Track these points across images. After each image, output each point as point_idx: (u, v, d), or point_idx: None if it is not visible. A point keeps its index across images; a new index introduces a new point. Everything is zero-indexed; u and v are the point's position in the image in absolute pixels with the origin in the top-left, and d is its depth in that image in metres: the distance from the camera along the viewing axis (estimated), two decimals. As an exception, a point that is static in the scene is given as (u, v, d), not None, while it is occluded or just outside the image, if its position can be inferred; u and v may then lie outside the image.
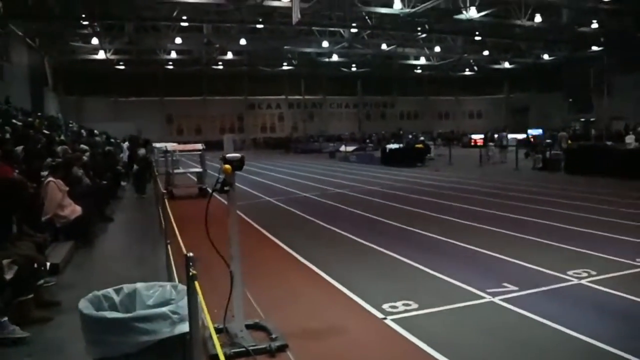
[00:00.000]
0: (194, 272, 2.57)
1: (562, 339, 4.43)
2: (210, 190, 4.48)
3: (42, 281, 5.32)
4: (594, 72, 44.93)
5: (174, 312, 2.87)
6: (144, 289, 3.34)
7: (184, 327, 2.80)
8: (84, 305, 2.99)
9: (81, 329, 2.97)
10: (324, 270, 6.68)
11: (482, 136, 36.42)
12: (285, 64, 50.64)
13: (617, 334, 4.48)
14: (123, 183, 16.65)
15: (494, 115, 58.24)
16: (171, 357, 2.89)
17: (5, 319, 4.33)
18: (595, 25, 33.71)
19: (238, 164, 4.22)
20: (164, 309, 2.89)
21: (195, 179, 15.70)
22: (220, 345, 4.24)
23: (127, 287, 3.32)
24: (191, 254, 2.70)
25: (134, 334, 2.78)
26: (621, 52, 38.95)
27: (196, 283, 2.50)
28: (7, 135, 12.09)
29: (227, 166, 4.14)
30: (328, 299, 5.70)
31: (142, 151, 17.27)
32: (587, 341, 4.32)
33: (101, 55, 40.80)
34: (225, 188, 4.19)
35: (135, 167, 16.07)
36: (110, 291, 3.27)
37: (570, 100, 48.65)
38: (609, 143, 21.79)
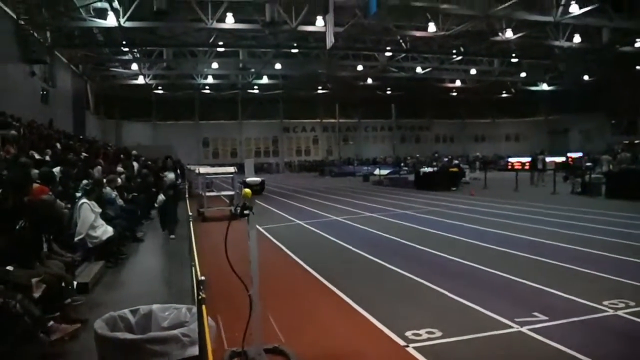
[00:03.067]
0: (204, 295, 2.57)
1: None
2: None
3: (69, 300, 5.42)
4: (637, 92, 43.61)
5: (185, 335, 2.87)
6: (159, 310, 3.35)
7: (195, 350, 2.79)
8: (99, 326, 3.02)
9: (96, 348, 2.99)
10: (347, 294, 6.61)
11: (527, 159, 35.44)
12: (319, 87, 51.05)
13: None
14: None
15: (533, 137, 57.17)
16: (183, 380, 2.88)
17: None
18: (638, 44, 32.87)
19: (258, 189, 4.23)
20: (176, 332, 2.89)
21: (228, 202, 15.87)
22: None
23: (143, 309, 3.35)
24: (203, 278, 2.71)
25: (145, 355, 2.78)
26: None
27: (204, 307, 2.49)
28: (47, 157, 12.50)
29: (247, 190, 4.16)
30: (350, 323, 5.62)
31: (170, 175, 13.28)
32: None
33: (140, 80, 42.07)
34: (245, 212, 4.21)
35: (160, 197, 12.04)
36: (126, 312, 3.30)
37: (613, 122, 47.36)
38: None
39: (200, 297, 2.56)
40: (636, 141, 42.00)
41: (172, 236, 11.19)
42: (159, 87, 47.03)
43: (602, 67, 42.01)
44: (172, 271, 8.11)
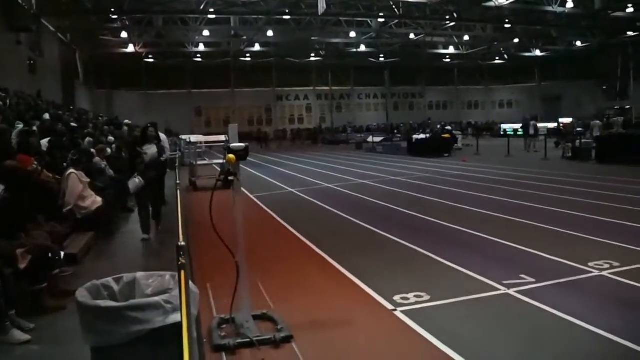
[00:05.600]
0: (183, 261, 2.55)
1: (578, 332, 4.30)
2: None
3: (57, 271, 5.41)
4: (628, 58, 43.46)
5: (167, 302, 2.86)
6: (143, 278, 3.34)
7: (178, 317, 2.78)
8: (81, 294, 3.00)
9: (78, 317, 2.99)
10: (338, 260, 6.65)
11: (518, 126, 35.41)
12: (312, 55, 50.47)
13: (635, 328, 4.32)
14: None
15: (525, 104, 56.97)
16: (166, 346, 2.88)
17: (13, 312, 4.39)
18: (630, 9, 32.56)
19: (242, 154, 4.19)
20: (157, 298, 2.88)
21: (220, 170, 15.82)
22: (226, 335, 4.28)
23: (126, 277, 3.33)
24: (183, 243, 2.68)
25: (126, 323, 2.77)
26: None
27: (183, 272, 2.47)
28: (34, 128, 12.36)
29: (231, 156, 4.12)
30: (339, 289, 5.66)
31: (152, 150, 8.57)
32: (602, 335, 4.18)
33: (130, 48, 41.39)
34: (230, 178, 4.18)
35: (136, 181, 8.26)
36: (109, 280, 3.28)
37: (604, 87, 47.28)
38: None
39: (180, 262, 2.54)
40: (627, 107, 42.04)
41: (159, 227, 8.85)
42: (150, 56, 46.31)
43: (594, 33, 41.69)
44: (163, 241, 8.09)
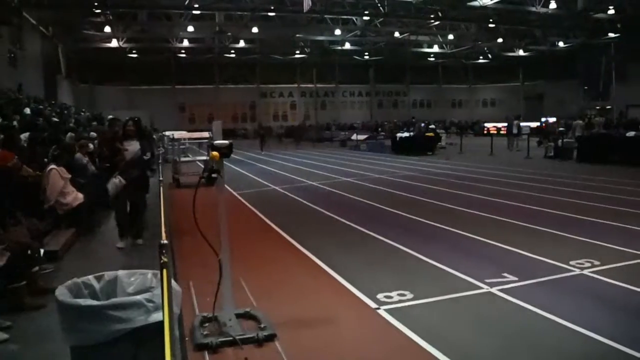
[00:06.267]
0: (165, 259, 2.51)
1: (558, 330, 4.33)
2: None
3: (37, 268, 5.33)
4: (610, 59, 44.07)
5: (149, 301, 2.83)
6: (125, 276, 3.30)
7: (160, 316, 2.75)
8: (61, 292, 2.96)
9: (58, 316, 2.94)
10: (321, 258, 6.64)
11: (503, 125, 35.62)
12: (297, 52, 50.36)
13: (615, 326, 4.37)
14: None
15: (509, 103, 57.42)
16: (148, 345, 2.85)
17: None
18: (611, 11, 33.02)
19: (226, 151, 4.15)
20: (139, 297, 2.84)
21: (203, 167, 15.72)
22: (209, 334, 4.25)
23: (108, 275, 3.29)
24: (165, 242, 2.65)
25: (107, 322, 2.74)
26: (638, 39, 38.20)
27: (165, 271, 2.44)
28: (15, 123, 12.17)
29: (215, 153, 4.08)
30: (323, 287, 5.65)
31: (133, 147, 7.50)
32: (583, 333, 4.22)
33: (114, 43, 40.90)
34: (213, 175, 4.14)
35: (115, 182, 7.34)
36: (90, 278, 3.24)
37: (586, 88, 47.86)
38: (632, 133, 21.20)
39: (162, 260, 2.51)
40: (607, 107, 42.63)
41: (140, 241, 7.62)
42: (134, 51, 45.83)
43: (577, 34, 42.19)
44: (145, 238, 8.01)
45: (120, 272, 3.33)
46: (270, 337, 4.15)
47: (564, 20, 36.59)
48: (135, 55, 46.83)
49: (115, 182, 7.35)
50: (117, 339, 2.76)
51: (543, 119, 38.67)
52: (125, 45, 42.33)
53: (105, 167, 7.82)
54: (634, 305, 4.92)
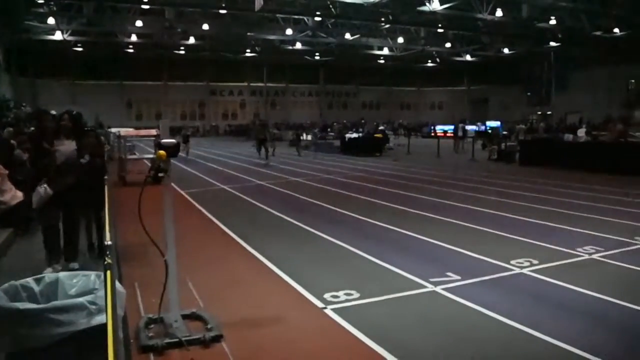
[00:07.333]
0: (109, 261, 2.47)
1: (499, 327, 4.50)
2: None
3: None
4: (551, 67, 45.95)
5: (91, 303, 2.77)
6: (66, 278, 3.21)
7: (103, 318, 2.70)
8: (-3, 296, 2.85)
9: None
10: (268, 258, 6.63)
11: (451, 128, 36.44)
12: (248, 50, 49.97)
13: (553, 322, 4.57)
14: None
15: (455, 106, 58.94)
16: (90, 348, 2.78)
17: None
18: (553, 21, 34.39)
19: (173, 151, 4.10)
20: (81, 299, 2.78)
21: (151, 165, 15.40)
22: (154, 335, 4.19)
23: (48, 277, 3.19)
24: (109, 242, 2.61)
25: (47, 325, 2.66)
26: (577, 49, 40.13)
27: (109, 272, 2.40)
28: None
29: (162, 152, 4.02)
30: (270, 287, 5.65)
31: (66, 147, 6.13)
32: (523, 330, 4.39)
33: (58, 36, 39.38)
34: (160, 174, 4.08)
35: (42, 191, 5.83)
36: (29, 281, 3.14)
37: (529, 93, 49.68)
38: (569, 136, 22.22)
39: (105, 262, 2.47)
40: (548, 112, 44.50)
41: (75, 265, 5.99)
42: (79, 45, 44.27)
43: (521, 42, 43.70)
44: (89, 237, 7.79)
45: (62, 274, 3.25)
46: (217, 338, 4.13)
47: (509, 27, 37.81)
48: (80, 49, 45.31)
49: (40, 192, 5.81)
50: (57, 343, 2.69)
51: (488, 124, 39.90)
52: (70, 38, 40.82)
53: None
54: (569, 303, 5.15)
